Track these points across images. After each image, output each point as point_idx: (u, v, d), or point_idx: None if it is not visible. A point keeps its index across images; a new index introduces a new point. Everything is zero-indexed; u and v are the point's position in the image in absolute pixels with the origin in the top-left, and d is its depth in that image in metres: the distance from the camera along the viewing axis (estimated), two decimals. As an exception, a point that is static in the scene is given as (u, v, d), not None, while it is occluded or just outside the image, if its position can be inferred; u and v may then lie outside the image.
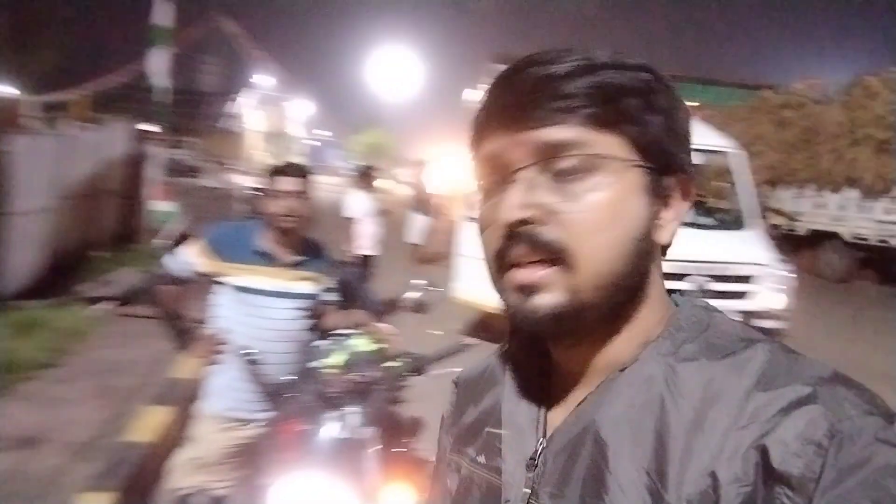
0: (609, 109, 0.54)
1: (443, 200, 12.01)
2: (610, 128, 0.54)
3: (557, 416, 0.61)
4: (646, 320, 0.59)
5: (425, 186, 10.99)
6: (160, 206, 12.20)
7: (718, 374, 0.53)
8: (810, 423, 0.47)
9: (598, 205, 0.54)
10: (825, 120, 13.03)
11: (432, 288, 2.43)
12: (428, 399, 2.42)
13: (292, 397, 2.01)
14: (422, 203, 10.63)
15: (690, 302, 0.62)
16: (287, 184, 2.18)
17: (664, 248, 0.60)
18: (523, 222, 0.54)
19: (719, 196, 7.98)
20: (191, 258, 2.25)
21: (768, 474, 0.47)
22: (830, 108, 13.16)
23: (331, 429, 1.83)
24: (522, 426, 0.63)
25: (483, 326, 6.72)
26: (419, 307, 2.38)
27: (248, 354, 2.10)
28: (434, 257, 10.07)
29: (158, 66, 12.18)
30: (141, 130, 10.52)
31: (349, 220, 6.52)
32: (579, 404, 0.59)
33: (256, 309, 2.19)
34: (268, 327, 2.20)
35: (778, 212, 13.72)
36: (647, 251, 0.57)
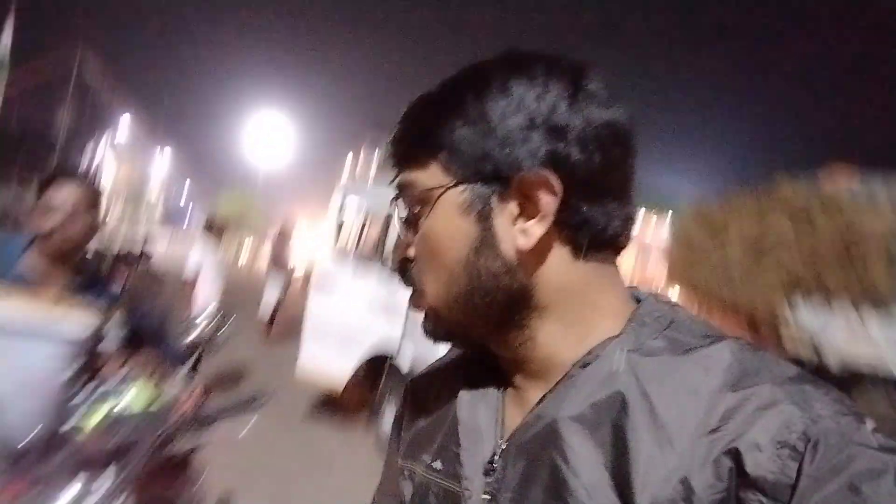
0: (416, 150, 0.59)
1: (305, 269, 11.44)
2: (424, 163, 0.58)
3: (515, 416, 0.60)
4: (584, 319, 0.58)
5: (287, 253, 10.30)
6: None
7: (684, 371, 0.52)
8: (783, 425, 0.47)
9: (426, 235, 0.58)
10: (869, 225, 8.91)
11: (223, 318, 2.03)
12: (213, 461, 2.00)
13: (31, 464, 1.54)
14: (281, 270, 9.94)
15: (653, 297, 0.61)
16: (59, 194, 1.76)
17: (605, 246, 0.58)
18: (404, 260, 0.62)
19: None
20: None
21: (742, 479, 0.46)
22: (877, 212, 9.21)
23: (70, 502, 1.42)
24: (480, 429, 0.62)
25: (327, 405, 6.26)
26: (208, 341, 1.96)
27: None
28: (288, 329, 9.42)
29: None
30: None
31: (190, 276, 5.87)
32: (539, 403, 0.58)
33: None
34: (8, 374, 1.70)
35: (795, 335, 9.35)
36: (496, 263, 0.56)
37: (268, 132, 41.93)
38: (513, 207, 0.55)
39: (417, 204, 0.59)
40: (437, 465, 0.64)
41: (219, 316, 2.05)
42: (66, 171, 1.85)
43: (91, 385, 1.69)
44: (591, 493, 0.50)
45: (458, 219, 0.56)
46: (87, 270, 1.93)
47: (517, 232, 0.55)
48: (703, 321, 0.58)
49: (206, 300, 5.91)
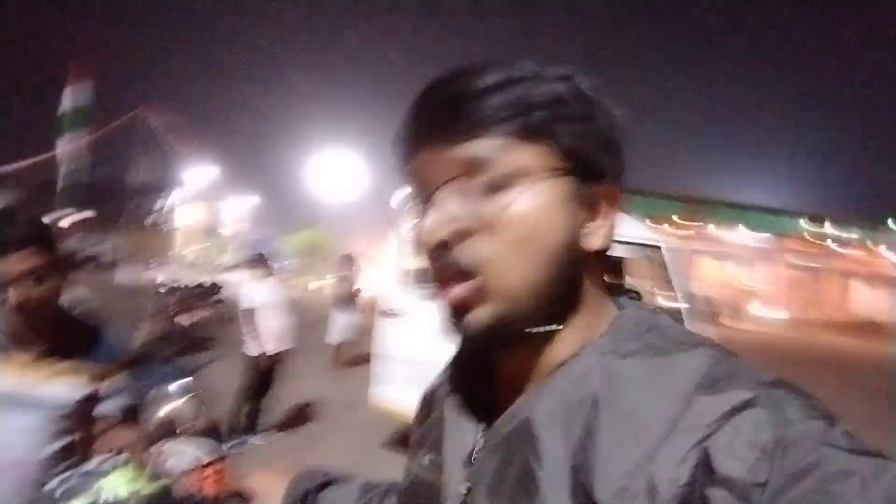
0: (526, 122, 0.56)
1: (371, 297, 11.21)
2: (529, 139, 0.56)
3: (497, 414, 0.62)
4: (583, 323, 0.60)
5: (353, 282, 9.90)
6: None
7: (656, 373, 0.53)
8: (753, 427, 0.48)
9: (518, 219, 0.56)
10: None
11: (192, 393, 1.67)
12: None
13: None
14: (347, 299, 9.62)
15: (635, 304, 0.63)
16: (6, 265, 1.43)
17: (601, 253, 0.61)
18: (441, 244, 0.56)
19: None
20: None
21: (708, 477, 0.47)
22: None
23: None
24: (463, 425, 0.66)
25: (405, 439, 5.90)
26: (179, 422, 1.60)
27: None
28: (358, 359, 9.22)
29: (69, 153, 11.50)
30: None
31: (247, 312, 5.67)
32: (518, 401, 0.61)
33: None
34: None
35: None
36: (572, 260, 0.58)
37: (335, 168, 42.41)
38: (590, 211, 0.59)
39: (503, 180, 0.56)
40: (426, 460, 0.68)
41: (190, 394, 1.68)
42: (10, 238, 1.54)
43: (72, 466, 1.36)
44: (555, 484, 0.53)
45: (556, 208, 0.57)
46: (75, 326, 1.66)
47: (587, 234, 0.59)
48: (683, 328, 0.60)
49: (272, 330, 5.73)
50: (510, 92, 0.56)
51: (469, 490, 0.60)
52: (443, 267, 0.57)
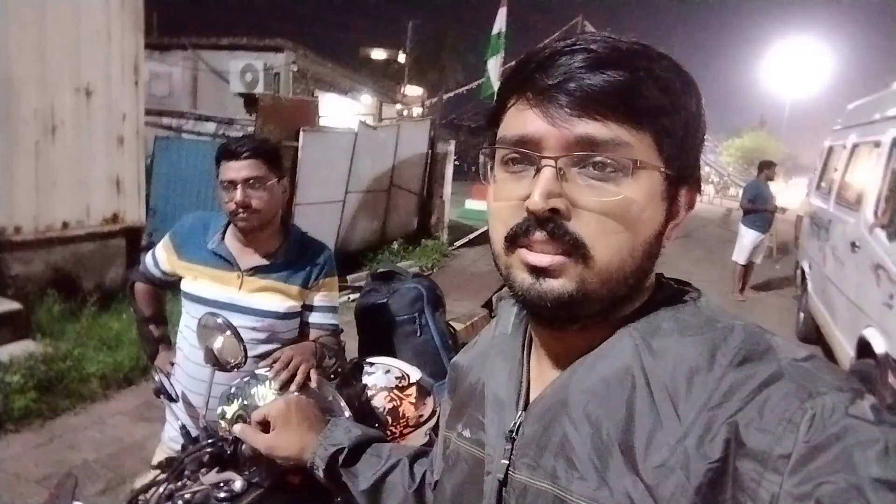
0: (648, 113, 0.55)
1: (788, 216, 8.84)
2: (644, 131, 0.55)
3: (537, 390, 0.64)
4: (631, 308, 0.60)
5: (769, 196, 8.17)
6: (477, 205, 12.50)
7: (692, 351, 0.54)
8: (782, 399, 0.48)
9: (626, 207, 0.55)
10: None
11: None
12: None
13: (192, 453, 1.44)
14: (758, 215, 8.07)
15: (673, 283, 0.64)
16: (231, 169, 1.64)
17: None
18: (551, 211, 0.55)
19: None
20: (158, 253, 1.86)
21: (739, 450, 0.48)
22: None
23: None
24: (503, 400, 0.66)
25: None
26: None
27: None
28: (765, 285, 8.25)
29: (493, 73, 12.18)
30: (437, 131, 10.37)
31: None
32: (557, 377, 0.62)
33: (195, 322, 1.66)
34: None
35: None
36: (654, 253, 0.59)
37: (794, 60, 41.03)
38: (671, 211, 0.59)
39: (618, 166, 0.55)
40: (466, 433, 0.71)
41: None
42: (241, 145, 1.67)
43: (252, 371, 1.51)
44: (598, 459, 0.54)
45: (656, 204, 0.57)
46: (291, 243, 1.78)
47: (667, 233, 0.60)
48: (719, 307, 0.60)
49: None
50: (643, 77, 0.54)
51: (511, 463, 0.62)
52: (546, 231, 0.55)
